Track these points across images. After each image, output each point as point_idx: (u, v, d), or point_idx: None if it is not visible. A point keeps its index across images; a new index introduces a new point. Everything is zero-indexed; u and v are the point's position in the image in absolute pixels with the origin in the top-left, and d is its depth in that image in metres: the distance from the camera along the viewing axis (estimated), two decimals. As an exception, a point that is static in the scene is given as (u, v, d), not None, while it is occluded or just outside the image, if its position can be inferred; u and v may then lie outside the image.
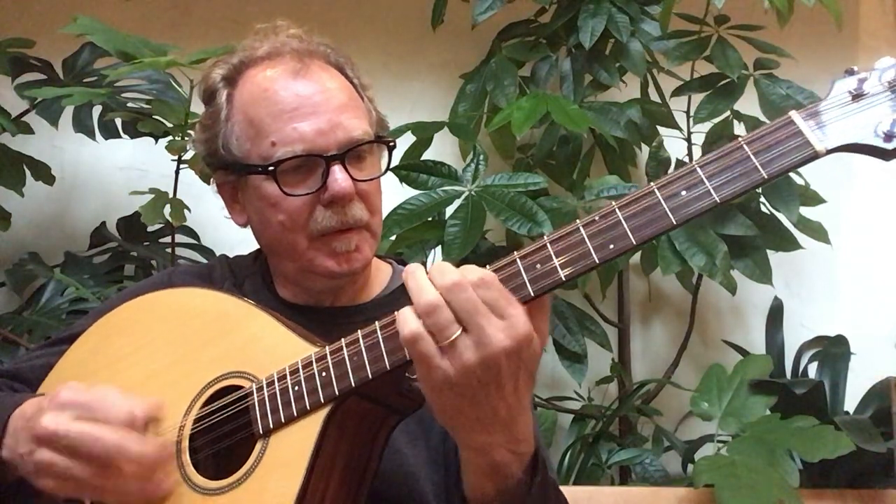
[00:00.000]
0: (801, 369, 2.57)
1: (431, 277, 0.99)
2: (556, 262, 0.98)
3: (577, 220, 0.99)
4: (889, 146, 0.89)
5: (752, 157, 0.93)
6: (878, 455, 2.08)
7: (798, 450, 2.02)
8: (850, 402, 2.45)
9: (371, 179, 1.32)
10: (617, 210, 0.96)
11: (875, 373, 2.46)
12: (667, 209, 0.95)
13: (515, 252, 1.01)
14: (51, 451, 1.11)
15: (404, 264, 1.49)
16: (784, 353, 2.60)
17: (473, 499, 1.09)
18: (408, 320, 0.98)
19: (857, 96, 0.91)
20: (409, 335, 0.98)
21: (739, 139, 0.95)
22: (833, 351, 2.53)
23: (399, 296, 1.42)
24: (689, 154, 2.48)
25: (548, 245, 0.99)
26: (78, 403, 1.13)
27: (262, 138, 1.29)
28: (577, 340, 2.37)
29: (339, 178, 1.27)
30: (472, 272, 0.98)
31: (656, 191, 0.96)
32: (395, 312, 1.03)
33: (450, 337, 0.96)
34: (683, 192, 0.95)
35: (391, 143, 1.36)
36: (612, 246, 0.97)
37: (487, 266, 1.02)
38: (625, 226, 0.96)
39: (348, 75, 1.38)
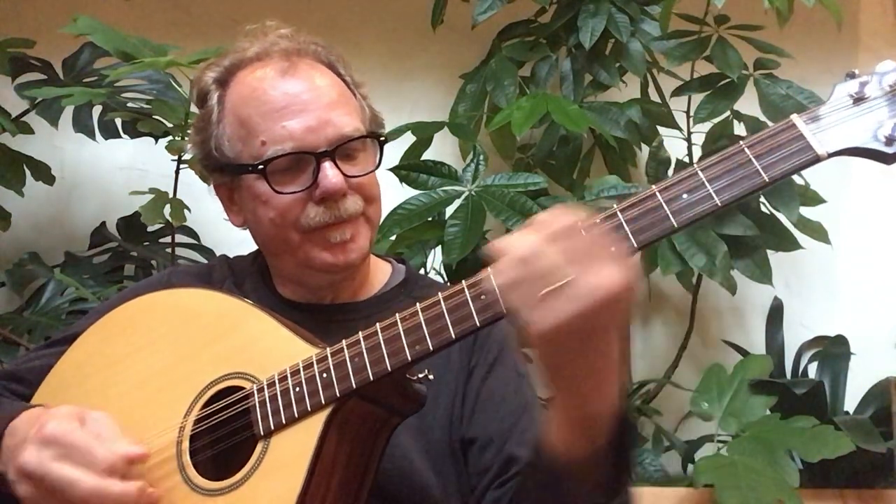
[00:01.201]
0: (801, 369, 2.57)
1: (528, 231, 0.93)
2: (559, 264, 0.98)
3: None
4: (890, 150, 0.89)
5: (753, 160, 0.92)
6: (878, 455, 2.09)
7: (798, 450, 2.02)
8: (850, 402, 2.45)
9: (362, 175, 1.31)
10: (618, 213, 0.96)
11: (875, 373, 2.47)
12: (668, 212, 0.94)
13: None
14: (30, 486, 1.11)
15: (404, 263, 1.50)
16: (784, 353, 2.60)
17: (561, 459, 1.02)
18: (507, 267, 0.93)
19: (858, 100, 0.91)
20: (511, 280, 0.92)
21: (741, 142, 0.94)
22: (833, 351, 2.53)
23: (398, 293, 1.42)
24: (689, 154, 2.48)
25: (550, 248, 0.99)
26: (60, 443, 1.11)
27: (253, 138, 1.29)
28: (578, 340, 2.36)
29: (330, 174, 1.26)
30: (574, 214, 0.93)
31: (658, 194, 0.95)
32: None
33: (559, 281, 0.90)
34: (685, 196, 0.94)
35: (382, 138, 1.36)
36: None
37: (489, 267, 1.01)
38: (626, 228, 0.96)
39: (339, 72, 1.37)
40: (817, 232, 2.42)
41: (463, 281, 1.03)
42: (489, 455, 1.27)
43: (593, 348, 0.93)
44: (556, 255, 0.90)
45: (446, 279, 2.28)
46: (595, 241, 0.92)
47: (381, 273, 1.46)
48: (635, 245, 0.95)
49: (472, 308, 1.01)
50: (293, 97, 1.28)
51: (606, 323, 0.92)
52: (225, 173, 1.36)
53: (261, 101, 1.29)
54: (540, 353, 0.96)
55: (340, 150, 1.28)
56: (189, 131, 2.13)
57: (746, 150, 0.94)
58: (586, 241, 0.91)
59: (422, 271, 2.26)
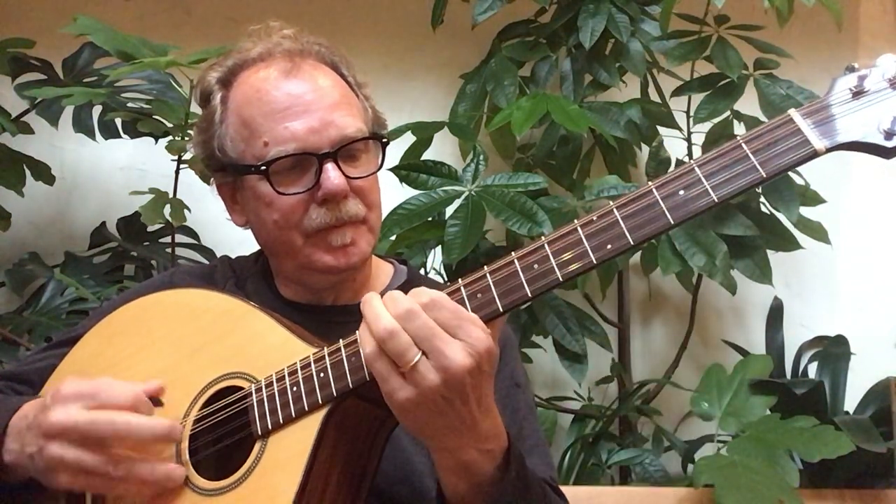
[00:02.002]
0: (801, 369, 2.57)
1: (386, 305, 1.01)
2: (554, 262, 0.98)
3: (575, 220, 0.98)
4: (889, 144, 0.88)
5: (750, 155, 0.92)
6: (878, 455, 2.08)
7: (798, 450, 2.02)
8: (850, 402, 2.45)
9: (365, 177, 1.32)
10: (615, 210, 0.96)
11: (875, 373, 2.46)
12: (665, 209, 0.94)
13: (513, 252, 1.01)
14: (60, 444, 1.11)
15: (406, 264, 1.50)
16: (784, 353, 2.60)
17: (449, 495, 1.11)
18: (367, 341, 1.00)
19: (858, 93, 0.90)
20: (368, 354, 1.00)
21: (738, 138, 0.94)
22: (833, 351, 2.53)
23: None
24: (689, 154, 2.48)
25: (545, 245, 0.99)
26: (82, 394, 1.13)
27: (256, 139, 1.29)
28: (577, 340, 2.37)
29: (332, 175, 1.26)
30: (423, 295, 1.00)
31: (654, 190, 0.95)
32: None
33: (409, 362, 0.98)
34: (681, 192, 0.94)
35: (385, 140, 1.36)
36: (609, 246, 0.96)
37: (485, 266, 1.02)
38: (622, 226, 0.95)
39: (342, 73, 1.37)
40: (817, 232, 2.42)
41: (460, 279, 1.04)
42: None
43: (448, 415, 1.00)
44: (402, 340, 0.98)
45: (446, 279, 2.28)
46: (446, 319, 0.98)
47: (383, 274, 1.47)
48: (500, 308, 1.01)
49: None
50: (296, 98, 1.28)
51: (458, 394, 0.99)
52: (227, 173, 1.36)
53: (263, 102, 1.29)
54: (398, 417, 1.04)
55: (343, 151, 1.28)
56: (189, 131, 2.14)
57: (744, 145, 0.94)
58: (430, 325, 0.98)
59: (422, 271, 2.26)
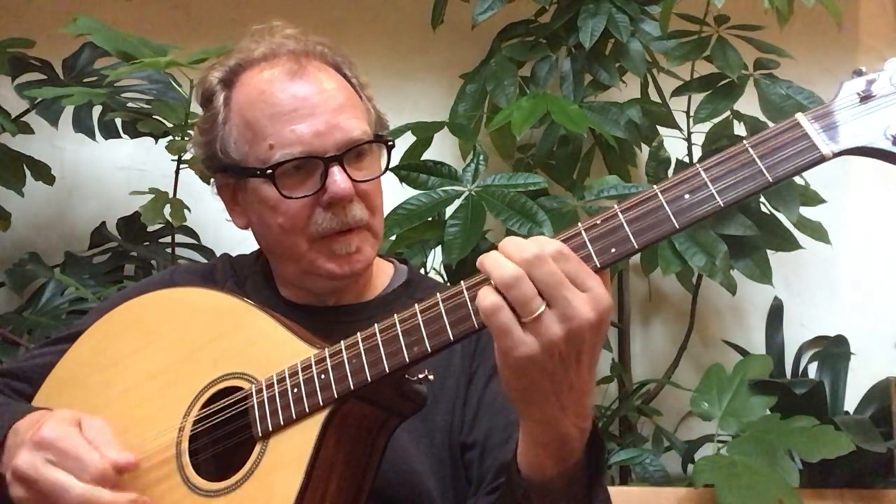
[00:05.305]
0: (801, 369, 2.57)
1: (508, 252, 0.94)
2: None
3: (579, 224, 0.98)
4: (897, 149, 0.88)
5: (756, 160, 0.91)
6: (878, 455, 2.08)
7: (798, 450, 2.02)
8: (850, 402, 2.45)
9: (370, 179, 1.32)
10: (619, 213, 0.95)
11: (875, 373, 2.47)
12: (670, 213, 0.94)
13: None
14: (23, 489, 1.12)
15: (406, 263, 1.49)
16: (784, 353, 2.60)
17: (533, 477, 1.04)
18: (487, 293, 0.93)
19: (866, 98, 0.89)
20: (489, 306, 0.92)
21: (744, 142, 0.93)
22: (833, 351, 2.53)
23: (401, 294, 1.42)
24: (690, 154, 2.48)
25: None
26: (53, 447, 1.12)
27: (260, 141, 1.28)
28: (577, 340, 2.36)
29: (338, 179, 1.26)
30: (549, 244, 0.94)
31: (659, 194, 0.95)
32: (392, 315, 1.03)
33: (534, 311, 0.91)
34: (687, 196, 0.93)
35: (390, 143, 1.35)
36: (613, 250, 0.95)
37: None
38: (627, 229, 0.95)
39: (346, 74, 1.37)
40: (817, 232, 2.42)
41: (462, 282, 1.02)
42: (487, 462, 1.26)
43: (560, 376, 0.95)
44: (529, 287, 0.91)
45: (446, 279, 2.28)
46: (574, 270, 0.93)
47: (384, 274, 1.46)
48: (598, 264, 0.96)
49: (471, 309, 1.00)
50: (302, 100, 1.28)
51: (576, 351, 0.94)
52: (229, 174, 1.35)
53: (268, 104, 1.28)
54: (506, 378, 0.97)
55: (348, 154, 1.28)
56: (190, 131, 2.14)
57: (750, 149, 0.93)
58: (559, 272, 0.92)
59: (422, 271, 2.26)
